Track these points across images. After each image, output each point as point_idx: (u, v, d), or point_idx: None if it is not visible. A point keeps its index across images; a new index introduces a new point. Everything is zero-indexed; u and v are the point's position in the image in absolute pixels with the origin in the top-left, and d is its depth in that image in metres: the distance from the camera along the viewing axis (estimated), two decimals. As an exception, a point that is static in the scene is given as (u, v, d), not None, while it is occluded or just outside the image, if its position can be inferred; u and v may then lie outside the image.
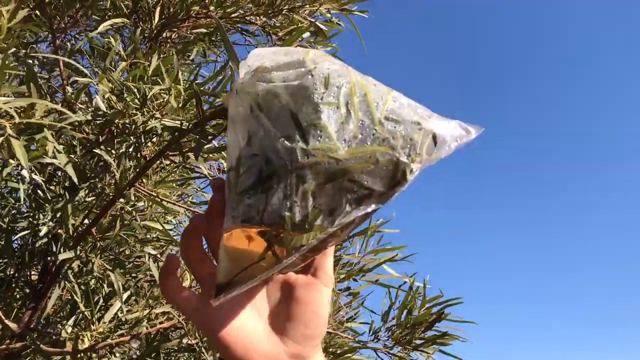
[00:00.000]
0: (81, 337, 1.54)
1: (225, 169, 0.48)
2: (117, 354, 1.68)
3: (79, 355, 1.53)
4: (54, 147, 1.13)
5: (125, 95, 1.21)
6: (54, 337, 1.58)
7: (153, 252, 1.74)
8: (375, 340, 1.80)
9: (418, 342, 1.76)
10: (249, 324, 0.50)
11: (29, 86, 1.14)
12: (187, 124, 1.18)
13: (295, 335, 0.50)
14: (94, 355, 1.53)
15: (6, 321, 1.58)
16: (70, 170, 1.13)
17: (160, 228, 1.59)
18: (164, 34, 1.75)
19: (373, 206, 0.48)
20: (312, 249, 0.48)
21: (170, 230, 1.67)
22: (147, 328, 1.57)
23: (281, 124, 0.47)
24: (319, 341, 0.51)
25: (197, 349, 1.74)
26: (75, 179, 1.13)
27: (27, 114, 1.16)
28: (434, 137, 0.50)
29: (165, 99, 1.23)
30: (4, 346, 1.62)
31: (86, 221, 1.58)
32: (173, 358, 1.61)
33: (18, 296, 1.90)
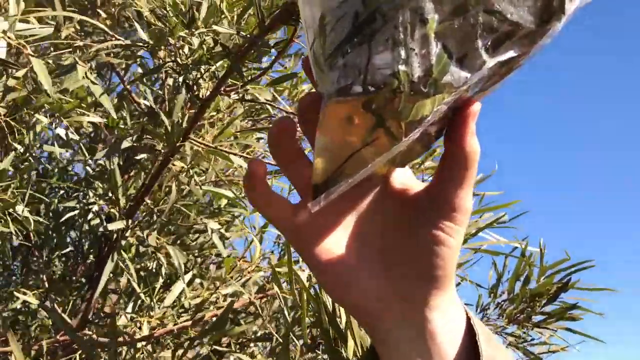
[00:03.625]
0: (139, 324, 1.32)
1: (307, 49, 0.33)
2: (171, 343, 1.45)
3: (138, 345, 1.31)
4: (85, 74, 0.91)
5: (170, 12, 0.99)
6: (106, 328, 1.37)
7: (217, 226, 1.52)
8: (485, 320, 1.50)
9: (539, 318, 1.46)
10: (351, 247, 0.40)
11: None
12: (250, 34, 0.94)
13: (406, 274, 0.38)
14: (152, 344, 1.31)
15: (64, 316, 1.40)
16: (106, 103, 0.91)
17: (229, 194, 1.35)
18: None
19: (516, 50, 0.33)
20: (438, 122, 0.35)
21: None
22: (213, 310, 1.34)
23: None
24: (447, 285, 0.38)
25: (274, 339, 1.49)
26: (113, 113, 0.91)
27: (54, 35, 0.95)
28: None
29: (218, 14, 1.00)
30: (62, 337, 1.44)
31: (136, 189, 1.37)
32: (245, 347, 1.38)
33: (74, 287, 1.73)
